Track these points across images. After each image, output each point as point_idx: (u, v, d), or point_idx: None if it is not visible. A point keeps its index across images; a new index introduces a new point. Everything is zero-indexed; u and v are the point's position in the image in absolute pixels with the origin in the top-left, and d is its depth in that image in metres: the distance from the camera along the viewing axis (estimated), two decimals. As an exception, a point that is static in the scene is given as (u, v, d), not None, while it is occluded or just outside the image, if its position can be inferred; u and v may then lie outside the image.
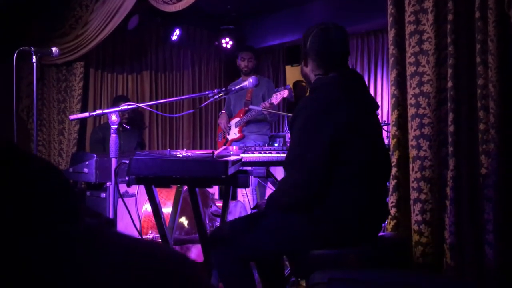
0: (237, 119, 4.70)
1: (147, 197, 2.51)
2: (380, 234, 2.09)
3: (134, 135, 5.11)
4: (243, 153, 2.83)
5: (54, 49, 3.55)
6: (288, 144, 2.06)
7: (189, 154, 2.29)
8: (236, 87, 2.54)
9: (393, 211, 2.62)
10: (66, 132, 4.96)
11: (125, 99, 5.07)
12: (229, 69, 6.55)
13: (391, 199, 2.64)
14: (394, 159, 2.63)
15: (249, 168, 2.84)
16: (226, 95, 2.48)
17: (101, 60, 5.41)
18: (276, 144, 5.34)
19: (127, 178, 2.18)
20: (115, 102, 4.96)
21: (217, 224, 3.59)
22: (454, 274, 2.38)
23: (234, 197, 4.63)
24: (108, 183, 3.61)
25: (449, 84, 2.41)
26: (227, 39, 6.11)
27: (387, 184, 2.61)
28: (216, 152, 2.35)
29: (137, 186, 2.83)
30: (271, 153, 2.88)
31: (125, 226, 3.23)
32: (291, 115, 2.09)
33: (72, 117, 2.54)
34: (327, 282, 1.45)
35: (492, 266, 2.25)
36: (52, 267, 0.47)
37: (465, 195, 2.40)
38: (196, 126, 6.31)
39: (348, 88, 2.01)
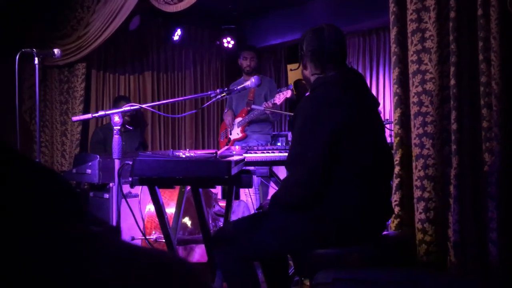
0: (240, 118, 4.70)
1: (150, 198, 2.51)
2: (384, 232, 2.09)
3: (135, 135, 5.11)
4: (246, 152, 2.83)
5: (56, 50, 3.56)
6: (290, 143, 2.06)
7: (192, 154, 2.29)
8: (239, 87, 2.53)
9: (396, 209, 2.62)
10: (68, 133, 4.96)
11: (126, 99, 5.08)
12: (230, 69, 6.55)
13: (395, 197, 2.64)
14: (397, 157, 2.63)
15: (252, 167, 2.84)
16: (229, 95, 2.47)
17: (103, 61, 5.42)
18: (278, 144, 5.34)
19: (130, 179, 2.19)
20: (116, 103, 4.96)
21: (221, 224, 3.60)
22: (458, 272, 2.37)
23: (237, 197, 4.64)
24: (111, 184, 3.61)
25: (452, 82, 2.41)
26: (229, 39, 6.11)
27: (391, 183, 2.61)
28: (219, 152, 2.35)
29: (140, 186, 2.84)
30: (273, 152, 2.88)
31: (128, 226, 3.24)
32: (293, 114, 2.10)
33: (74, 118, 2.55)
34: (332, 282, 1.44)
35: (496, 264, 2.24)
36: (52, 267, 0.47)
37: (469, 193, 2.40)
38: (198, 126, 6.31)
39: (348, 87, 2.01)
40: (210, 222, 3.50)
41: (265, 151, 2.89)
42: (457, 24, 2.40)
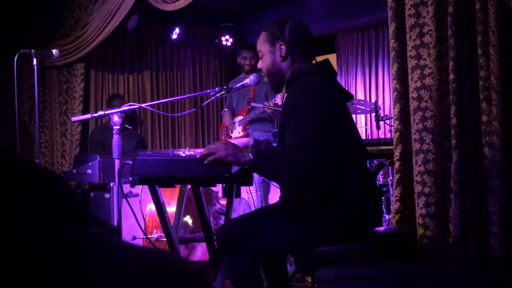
0: (241, 117, 4.69)
1: (151, 197, 2.51)
2: (385, 228, 2.09)
3: (133, 134, 5.10)
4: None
5: (54, 51, 3.56)
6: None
7: (192, 153, 2.29)
8: (238, 85, 2.53)
9: (397, 205, 2.62)
10: (68, 133, 4.96)
11: (120, 97, 5.08)
12: (229, 67, 6.54)
13: (395, 193, 2.64)
14: (397, 153, 2.63)
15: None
16: (228, 93, 2.47)
17: (102, 60, 5.41)
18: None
19: (130, 179, 2.19)
20: (109, 102, 4.96)
21: (222, 222, 3.60)
22: (460, 267, 2.37)
23: (238, 195, 4.64)
24: (111, 184, 3.61)
25: (451, 76, 2.40)
26: (227, 37, 6.11)
27: None
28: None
29: (141, 186, 2.84)
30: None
31: (129, 226, 3.24)
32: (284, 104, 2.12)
33: (74, 118, 2.55)
34: (333, 279, 1.45)
35: (497, 258, 2.24)
36: (51, 270, 0.47)
37: (469, 188, 2.40)
38: (198, 125, 6.31)
39: (332, 77, 2.11)
40: (211, 220, 3.50)
41: (265, 149, 2.89)
42: (455, 19, 2.40)
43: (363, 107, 4.56)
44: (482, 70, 2.30)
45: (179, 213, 2.89)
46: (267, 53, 2.12)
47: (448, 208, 2.48)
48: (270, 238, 1.95)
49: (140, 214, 3.15)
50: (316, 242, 1.92)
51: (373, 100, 5.99)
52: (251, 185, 2.40)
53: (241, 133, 4.64)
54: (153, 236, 3.40)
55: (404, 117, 2.64)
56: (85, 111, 4.98)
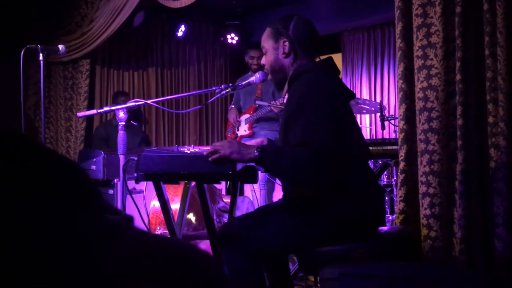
0: (247, 115, 4.68)
1: (155, 193, 2.51)
2: (389, 228, 2.09)
3: (137, 131, 5.11)
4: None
5: (60, 46, 3.56)
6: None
7: (196, 150, 2.29)
8: (243, 83, 2.53)
9: (401, 205, 2.61)
10: (73, 129, 4.98)
11: (125, 94, 5.08)
12: (234, 65, 6.54)
13: (399, 193, 2.63)
14: (402, 153, 2.62)
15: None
16: (233, 91, 2.47)
17: (107, 57, 5.42)
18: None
19: (135, 175, 2.19)
20: (114, 99, 4.97)
21: (225, 220, 3.60)
22: (464, 268, 2.37)
23: (242, 193, 4.63)
24: (116, 180, 3.62)
25: (458, 77, 2.40)
26: (233, 35, 6.11)
27: None
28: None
29: (145, 182, 2.84)
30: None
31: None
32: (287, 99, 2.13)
33: (80, 114, 2.55)
34: (338, 277, 1.44)
35: (502, 260, 2.24)
36: (68, 256, 0.47)
37: (474, 189, 2.39)
38: (202, 122, 6.31)
39: (334, 75, 2.11)
40: (215, 218, 3.50)
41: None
42: (463, 19, 2.39)
43: (368, 107, 4.55)
44: (489, 71, 2.30)
45: (182, 210, 2.89)
46: (271, 49, 2.11)
47: (452, 209, 2.48)
48: (272, 237, 1.94)
49: (144, 211, 3.15)
50: (318, 241, 1.91)
51: (378, 100, 5.99)
52: (255, 182, 2.40)
53: (247, 131, 4.63)
54: (156, 232, 3.41)
55: (409, 117, 2.63)
56: (90, 107, 5.00)
